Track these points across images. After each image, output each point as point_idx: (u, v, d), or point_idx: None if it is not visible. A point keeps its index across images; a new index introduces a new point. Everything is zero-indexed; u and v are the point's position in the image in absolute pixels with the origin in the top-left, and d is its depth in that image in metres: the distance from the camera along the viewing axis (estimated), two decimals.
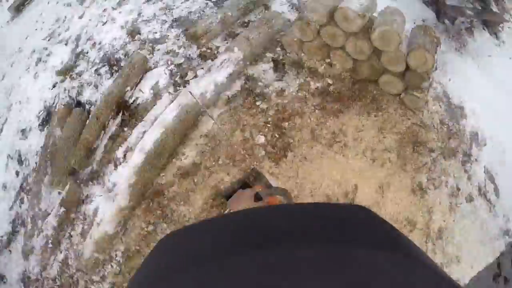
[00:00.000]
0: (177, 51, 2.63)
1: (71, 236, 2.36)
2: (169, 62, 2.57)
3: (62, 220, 2.35)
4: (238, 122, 2.26)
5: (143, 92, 2.47)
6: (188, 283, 0.24)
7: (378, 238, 0.28)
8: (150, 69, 2.58)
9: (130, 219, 2.26)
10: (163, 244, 0.32)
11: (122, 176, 2.34)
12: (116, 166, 2.40)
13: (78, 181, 2.40)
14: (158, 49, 2.69)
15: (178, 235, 0.33)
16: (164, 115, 2.13)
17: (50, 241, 2.36)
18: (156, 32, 2.80)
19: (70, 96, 2.69)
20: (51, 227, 2.36)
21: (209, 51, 2.57)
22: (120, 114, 2.46)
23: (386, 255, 0.25)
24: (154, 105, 2.39)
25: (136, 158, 2.19)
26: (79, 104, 2.69)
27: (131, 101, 2.47)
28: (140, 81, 2.52)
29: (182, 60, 2.56)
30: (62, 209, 2.35)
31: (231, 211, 0.73)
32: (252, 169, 0.82)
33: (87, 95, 2.72)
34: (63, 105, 2.60)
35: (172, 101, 2.35)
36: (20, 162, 2.85)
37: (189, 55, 2.58)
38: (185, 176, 2.23)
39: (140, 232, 2.25)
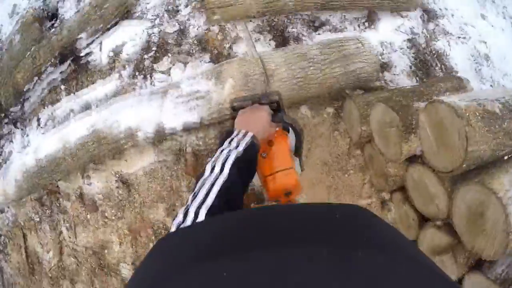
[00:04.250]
0: (179, 7, 1.54)
1: None
2: (157, 21, 1.54)
3: None
4: (171, 192, 1.35)
5: (101, 50, 1.59)
6: (187, 283, 0.24)
7: (378, 239, 0.28)
8: (131, 16, 1.60)
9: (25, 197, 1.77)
10: (161, 245, 0.32)
11: (33, 144, 1.75)
12: (38, 124, 1.79)
13: (3, 113, 1.88)
14: None
15: (177, 236, 0.35)
16: (70, 128, 1.30)
17: None
18: None
19: (45, 4, 1.92)
20: None
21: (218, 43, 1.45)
22: (68, 62, 1.68)
23: (385, 256, 0.25)
24: (98, 79, 1.55)
25: (40, 147, 1.52)
26: (53, 16, 1.93)
27: (83, 53, 1.63)
28: (108, 29, 1.61)
29: (173, 29, 1.50)
30: None
31: (237, 125, 0.67)
32: (278, 93, 0.66)
33: (67, 5, 1.92)
34: (32, 13, 1.88)
35: (117, 92, 1.46)
36: None
37: (185, 27, 1.49)
38: (81, 202, 1.54)
39: (29, 214, 1.79)
